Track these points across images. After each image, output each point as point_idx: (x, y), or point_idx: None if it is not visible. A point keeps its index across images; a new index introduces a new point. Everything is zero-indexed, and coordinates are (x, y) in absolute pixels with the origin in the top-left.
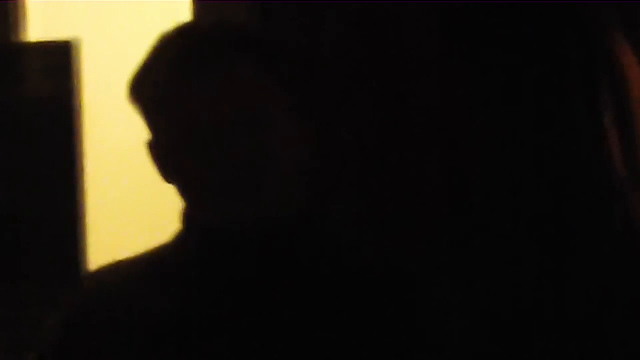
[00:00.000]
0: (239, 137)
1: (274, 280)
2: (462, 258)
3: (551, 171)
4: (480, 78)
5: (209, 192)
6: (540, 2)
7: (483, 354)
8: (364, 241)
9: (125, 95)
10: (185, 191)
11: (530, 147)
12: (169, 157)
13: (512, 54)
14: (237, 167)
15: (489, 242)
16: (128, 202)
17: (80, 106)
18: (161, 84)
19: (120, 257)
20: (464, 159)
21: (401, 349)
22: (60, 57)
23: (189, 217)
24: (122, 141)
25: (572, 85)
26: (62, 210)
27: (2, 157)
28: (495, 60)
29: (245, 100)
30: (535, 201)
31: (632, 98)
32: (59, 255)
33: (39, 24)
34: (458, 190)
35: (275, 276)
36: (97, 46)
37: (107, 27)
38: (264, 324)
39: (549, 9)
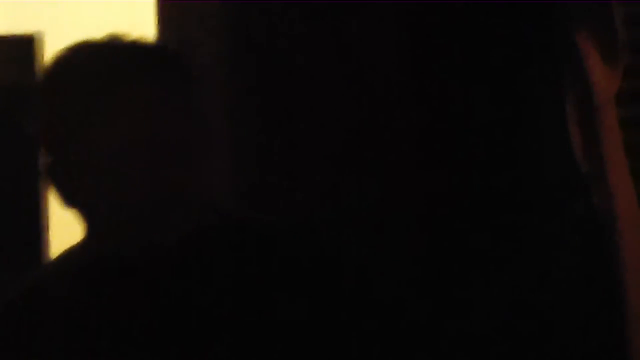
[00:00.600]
0: (152, 163)
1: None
2: (431, 255)
3: (513, 165)
4: (444, 72)
5: (114, 217)
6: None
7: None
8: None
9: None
10: (87, 215)
11: (492, 141)
12: (73, 178)
13: (475, 48)
14: (146, 193)
15: (450, 235)
16: None
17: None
18: (74, 101)
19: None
20: (430, 153)
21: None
22: (23, 50)
23: (89, 243)
24: None
25: (534, 79)
26: (24, 197)
27: None
28: (459, 54)
29: (164, 125)
30: (497, 195)
31: (594, 92)
32: (22, 245)
33: (2, 17)
34: (426, 184)
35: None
36: (60, 39)
37: (70, 20)
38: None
39: (513, 2)
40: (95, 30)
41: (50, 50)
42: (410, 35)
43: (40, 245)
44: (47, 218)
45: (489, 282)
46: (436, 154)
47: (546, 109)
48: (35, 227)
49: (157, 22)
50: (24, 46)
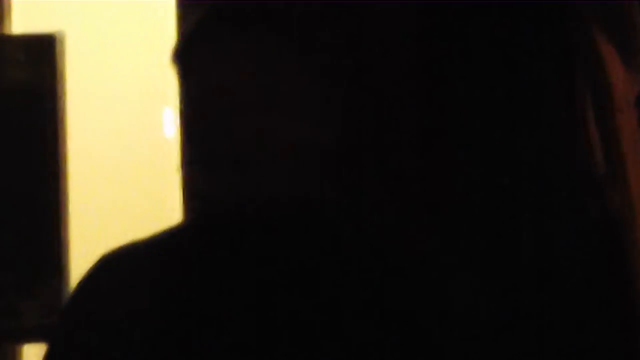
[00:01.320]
0: (261, 113)
1: (285, 263)
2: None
3: (531, 166)
4: (460, 73)
5: (224, 165)
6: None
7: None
8: (378, 225)
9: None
10: (201, 165)
11: (510, 142)
12: (193, 124)
13: (491, 49)
14: (254, 143)
15: (469, 236)
16: (110, 194)
17: (63, 99)
18: (203, 48)
19: (101, 248)
20: (445, 154)
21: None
22: (43, 50)
23: (201, 203)
24: (104, 134)
25: (552, 81)
26: (42, 200)
27: None
28: (475, 56)
29: (271, 77)
30: (514, 196)
31: (613, 95)
32: (38, 244)
33: (23, 17)
34: (439, 184)
35: (286, 258)
36: (80, 40)
37: (91, 21)
38: (280, 308)
39: (530, 3)
40: (115, 30)
41: (71, 50)
42: (428, 35)
43: (55, 248)
44: (65, 222)
45: (505, 281)
46: (454, 154)
47: (565, 110)
48: (52, 232)
49: (177, 22)
50: (44, 46)
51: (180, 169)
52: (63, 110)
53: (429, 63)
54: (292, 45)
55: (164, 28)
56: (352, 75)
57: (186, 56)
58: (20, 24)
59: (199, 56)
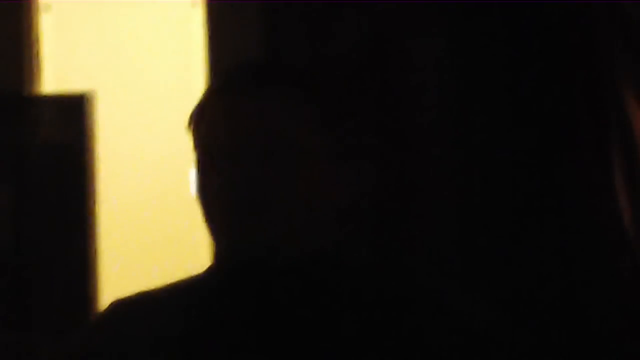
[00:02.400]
0: (274, 167)
1: (297, 313)
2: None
3: (562, 227)
4: (497, 125)
5: (234, 221)
6: (556, 58)
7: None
8: (386, 270)
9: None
10: (210, 219)
11: (541, 205)
12: (205, 178)
13: (526, 111)
14: (265, 198)
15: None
16: (139, 253)
17: (94, 158)
18: (213, 107)
19: None
20: (481, 208)
21: None
22: (74, 110)
23: (216, 250)
24: (134, 192)
25: (583, 143)
26: (74, 259)
27: (16, 207)
28: (508, 102)
29: (289, 133)
30: (545, 257)
31: (637, 142)
32: (70, 305)
33: (53, 76)
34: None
35: (298, 309)
36: (111, 98)
37: (120, 80)
38: (294, 354)
39: (565, 64)
40: (146, 89)
41: (101, 109)
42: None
43: (88, 308)
44: (96, 277)
45: (544, 331)
46: (490, 212)
47: (596, 174)
48: (83, 285)
49: (206, 73)
50: (75, 105)
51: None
52: (94, 168)
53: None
54: (314, 104)
55: (193, 91)
56: (372, 135)
57: (199, 118)
58: (51, 83)
59: (208, 113)
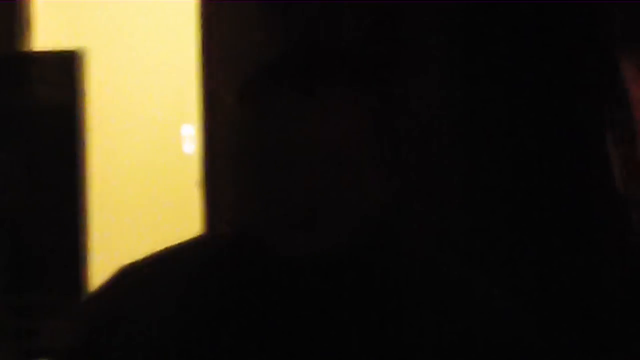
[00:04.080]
0: (319, 167)
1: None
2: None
3: (555, 187)
4: (494, 89)
5: (269, 215)
6: (560, 32)
7: None
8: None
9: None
10: (245, 205)
11: (535, 165)
12: (247, 166)
13: (528, 74)
14: (304, 196)
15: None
16: (131, 211)
17: (85, 114)
18: (268, 93)
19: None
20: (475, 166)
21: None
22: (66, 67)
23: (241, 233)
24: (126, 148)
25: (578, 106)
26: (65, 218)
27: (6, 164)
28: (505, 72)
29: (340, 134)
30: (537, 217)
31: (633, 115)
32: (61, 265)
33: (46, 34)
34: (472, 197)
35: (327, 310)
36: (102, 55)
37: (113, 37)
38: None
39: (567, 36)
40: (136, 47)
41: (93, 66)
42: (462, 63)
43: (79, 268)
44: (86, 239)
45: (535, 300)
46: (481, 175)
47: (589, 132)
48: (74, 245)
49: (199, 28)
50: (66, 62)
51: (202, 183)
52: (84, 125)
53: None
54: (355, 102)
55: (185, 47)
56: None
57: (252, 95)
58: (43, 40)
59: (264, 99)
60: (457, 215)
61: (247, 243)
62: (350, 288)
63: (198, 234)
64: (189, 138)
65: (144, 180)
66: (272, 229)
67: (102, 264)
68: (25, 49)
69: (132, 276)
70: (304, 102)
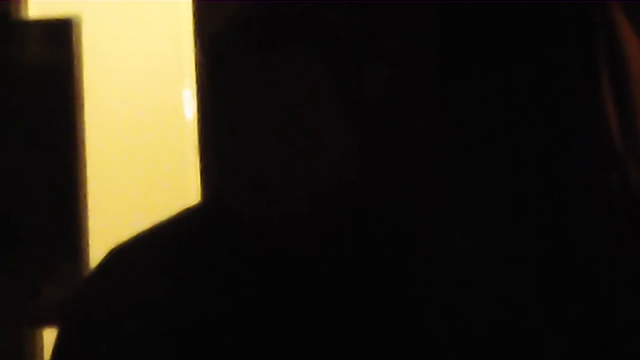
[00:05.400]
0: (284, 126)
1: (301, 256)
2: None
3: (548, 142)
4: (477, 49)
5: (243, 171)
6: None
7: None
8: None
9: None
10: (220, 170)
11: (527, 120)
12: (217, 131)
13: (510, 28)
14: (277, 154)
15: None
16: (128, 174)
17: (81, 82)
18: (233, 58)
19: (120, 228)
20: (461, 132)
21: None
22: (60, 34)
23: (216, 200)
24: (121, 117)
25: (570, 58)
26: (61, 179)
27: (3, 133)
28: (493, 33)
29: (303, 96)
30: (533, 172)
31: (629, 70)
32: (57, 226)
33: (40, 1)
34: (458, 169)
35: (302, 252)
36: (99, 23)
37: (109, 4)
38: (292, 305)
39: None
40: (130, 13)
41: (89, 34)
42: (437, 20)
43: (75, 228)
44: (84, 202)
45: (523, 254)
46: (474, 136)
47: (581, 84)
48: (71, 212)
49: (194, 6)
50: (61, 30)
51: (198, 150)
52: (80, 94)
53: (448, 55)
54: (320, 60)
55: (181, 12)
56: (380, 85)
57: (214, 53)
58: (37, 8)
59: (226, 65)
60: (432, 181)
61: (216, 213)
62: (308, 250)
63: (196, 200)
64: (190, 103)
65: (143, 145)
66: (235, 193)
67: (100, 225)
68: (20, 17)
69: (120, 259)
70: (265, 61)
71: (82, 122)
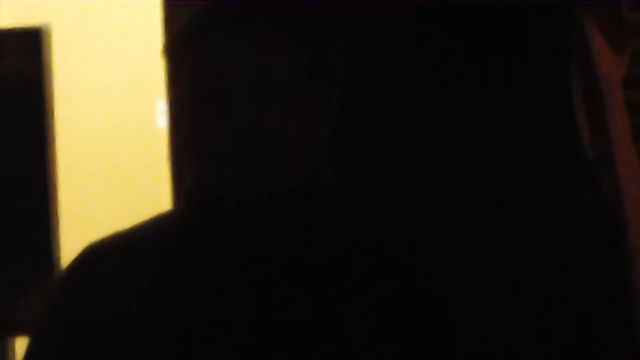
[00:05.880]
0: (256, 107)
1: (280, 251)
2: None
3: (520, 152)
4: (452, 59)
5: (218, 156)
6: None
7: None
8: (373, 214)
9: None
10: (194, 156)
11: (500, 130)
12: (185, 115)
13: (484, 39)
14: (250, 135)
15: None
16: (99, 186)
17: (52, 92)
18: (205, 32)
19: (93, 238)
20: (440, 142)
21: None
22: (31, 43)
23: (196, 187)
24: (92, 126)
25: (542, 67)
26: (33, 192)
27: None
28: (468, 43)
29: (269, 72)
30: (505, 181)
31: (601, 78)
32: (30, 237)
33: (10, 10)
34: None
35: (280, 247)
36: (67, 32)
37: (80, 13)
38: (271, 296)
39: None
40: (101, 23)
41: (58, 43)
42: (426, 33)
43: (49, 239)
44: (56, 214)
45: (498, 266)
46: (454, 144)
47: (553, 95)
48: (45, 225)
49: (164, 16)
50: (32, 39)
51: (170, 157)
52: (52, 102)
53: (428, 59)
54: (290, 39)
55: (154, 20)
56: (350, 66)
57: (180, 49)
58: (8, 17)
59: (194, 50)
60: (409, 167)
61: (191, 211)
62: (281, 230)
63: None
64: (164, 113)
65: (116, 155)
66: (215, 177)
67: (73, 236)
68: None
69: (97, 255)
70: (238, 39)
71: (53, 133)
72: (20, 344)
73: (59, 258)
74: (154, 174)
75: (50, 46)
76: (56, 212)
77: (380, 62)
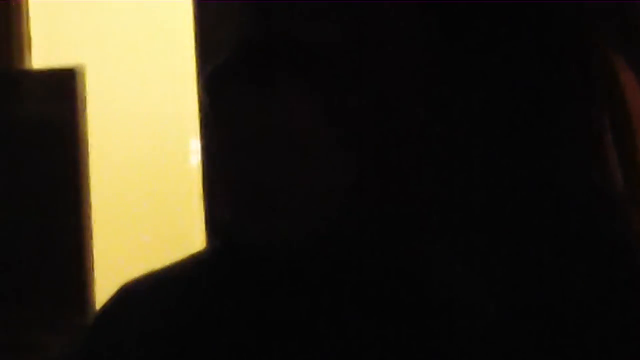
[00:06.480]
0: (281, 153)
1: (304, 299)
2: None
3: (551, 187)
4: (480, 90)
5: (247, 202)
6: (544, 23)
7: None
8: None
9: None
10: (225, 199)
11: (530, 163)
12: (218, 162)
13: (513, 71)
14: (276, 181)
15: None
16: (133, 224)
17: (85, 132)
18: (230, 90)
19: (126, 279)
20: (466, 173)
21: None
22: (64, 84)
23: (224, 232)
24: (126, 164)
25: (571, 102)
26: (68, 234)
27: (9, 183)
28: (498, 74)
29: (293, 122)
30: (535, 217)
31: (630, 114)
32: (64, 280)
33: (43, 51)
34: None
35: (305, 294)
36: (100, 72)
37: (113, 53)
38: (299, 339)
39: (552, 27)
40: (134, 61)
41: (91, 83)
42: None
43: (83, 283)
44: (91, 253)
45: (526, 298)
46: (468, 174)
47: (583, 131)
48: (78, 261)
49: (197, 56)
50: (65, 80)
51: (202, 197)
52: (86, 144)
53: (450, 102)
54: (311, 86)
55: (187, 59)
56: (372, 109)
57: (211, 91)
58: (41, 58)
59: (223, 94)
60: (432, 204)
61: (222, 252)
62: (309, 277)
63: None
64: (197, 151)
65: (150, 193)
66: (241, 222)
67: (106, 276)
68: (24, 67)
69: (132, 294)
70: (259, 92)
71: (87, 173)
72: None
73: (90, 299)
74: (187, 212)
75: (84, 87)
76: (91, 252)
77: (403, 105)
